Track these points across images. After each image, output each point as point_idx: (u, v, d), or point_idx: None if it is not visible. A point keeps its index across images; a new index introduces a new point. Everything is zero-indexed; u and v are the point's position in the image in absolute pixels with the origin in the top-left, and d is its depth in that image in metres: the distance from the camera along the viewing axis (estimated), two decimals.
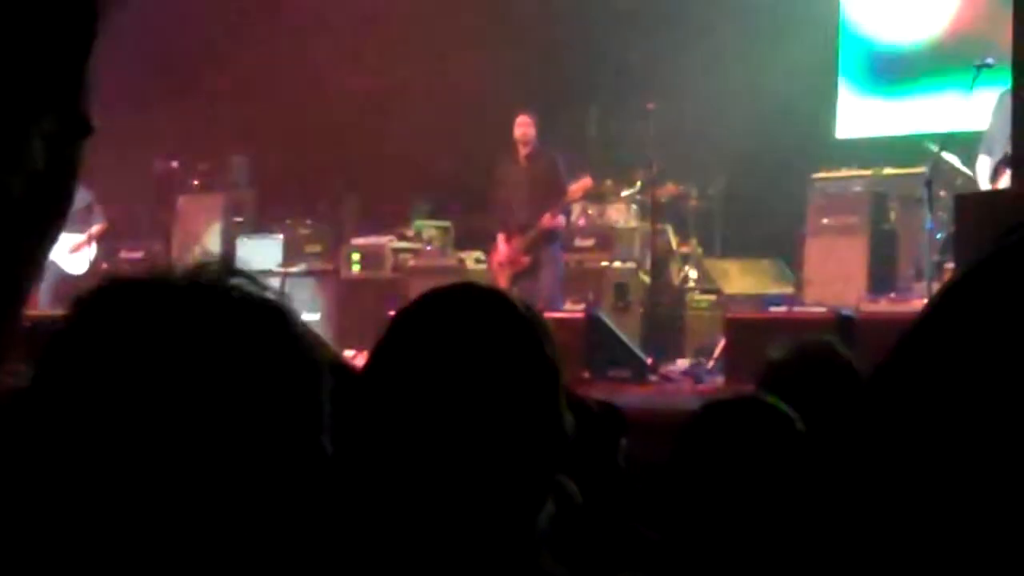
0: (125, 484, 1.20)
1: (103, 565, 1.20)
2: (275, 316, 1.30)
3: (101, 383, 1.22)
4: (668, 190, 12.62)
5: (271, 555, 1.25)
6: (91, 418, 1.21)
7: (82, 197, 12.17)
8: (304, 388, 1.28)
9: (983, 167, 9.70)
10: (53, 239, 1.35)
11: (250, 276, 1.32)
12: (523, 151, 11.54)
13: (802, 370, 3.29)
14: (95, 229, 12.77)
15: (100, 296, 1.28)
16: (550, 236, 11.46)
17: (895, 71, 13.67)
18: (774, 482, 2.60)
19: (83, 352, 1.24)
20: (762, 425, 2.66)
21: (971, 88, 9.72)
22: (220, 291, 1.28)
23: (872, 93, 13.84)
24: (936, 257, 10.03)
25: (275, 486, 1.25)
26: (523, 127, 11.50)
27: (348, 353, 8.12)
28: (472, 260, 12.96)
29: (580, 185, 11.45)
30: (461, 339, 1.78)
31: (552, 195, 11.39)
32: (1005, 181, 9.14)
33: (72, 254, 12.42)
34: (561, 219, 11.63)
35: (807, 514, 2.52)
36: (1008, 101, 8.64)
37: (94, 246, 12.80)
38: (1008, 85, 8.69)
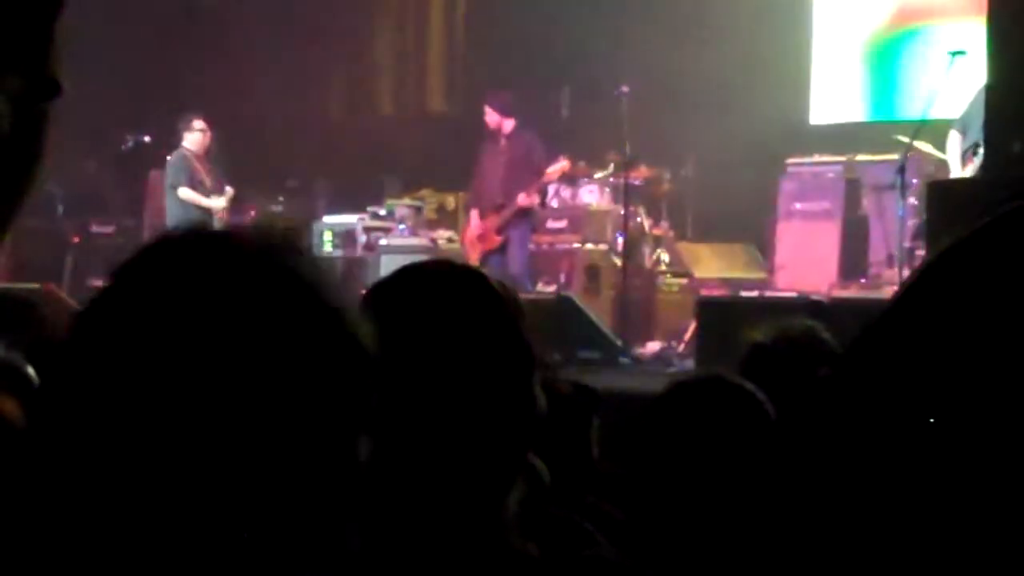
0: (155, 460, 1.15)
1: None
2: (337, 305, 1.23)
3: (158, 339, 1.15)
4: (641, 173, 12.61)
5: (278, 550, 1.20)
6: (131, 380, 1.15)
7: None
8: (354, 385, 1.22)
9: (953, 143, 9.72)
10: (21, 201, 1.32)
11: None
12: (503, 131, 11.52)
13: (785, 354, 3.29)
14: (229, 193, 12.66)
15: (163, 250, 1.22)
16: (522, 216, 11.44)
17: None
18: (738, 462, 2.61)
19: (137, 307, 1.18)
20: (728, 405, 2.67)
21: (946, 75, 9.75)
22: (292, 262, 1.22)
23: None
24: (908, 244, 10.06)
25: (289, 489, 1.17)
26: (486, 115, 11.51)
27: None
28: (444, 239, 12.95)
29: (558, 168, 11.43)
30: (436, 315, 1.76)
31: (528, 176, 11.38)
32: (971, 169, 9.18)
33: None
34: (536, 199, 11.59)
35: (779, 494, 2.53)
36: None
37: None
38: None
